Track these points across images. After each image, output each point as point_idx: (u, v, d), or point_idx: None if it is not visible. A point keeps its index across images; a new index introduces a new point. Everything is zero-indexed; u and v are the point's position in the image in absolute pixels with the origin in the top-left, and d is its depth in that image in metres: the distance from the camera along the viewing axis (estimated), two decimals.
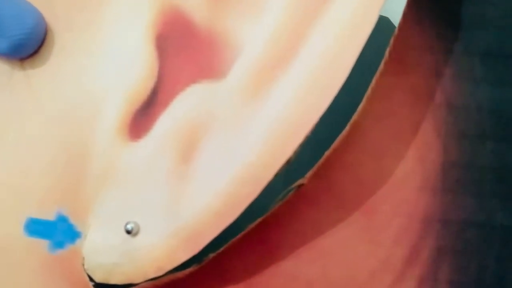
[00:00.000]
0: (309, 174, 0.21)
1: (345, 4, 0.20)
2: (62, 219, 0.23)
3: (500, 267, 0.22)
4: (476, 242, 0.22)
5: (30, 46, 0.24)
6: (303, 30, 0.21)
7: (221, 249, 0.22)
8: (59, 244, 0.23)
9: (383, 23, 0.22)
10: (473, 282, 0.22)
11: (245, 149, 0.21)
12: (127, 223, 0.22)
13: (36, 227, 0.23)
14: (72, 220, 0.23)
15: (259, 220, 0.22)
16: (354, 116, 0.22)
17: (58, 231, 0.23)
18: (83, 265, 0.22)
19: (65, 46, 0.24)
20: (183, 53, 0.22)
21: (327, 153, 0.22)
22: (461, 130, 0.23)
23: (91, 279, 0.22)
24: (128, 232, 0.22)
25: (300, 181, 0.22)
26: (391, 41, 0.22)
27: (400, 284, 0.22)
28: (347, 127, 0.22)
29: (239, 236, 0.22)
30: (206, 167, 0.21)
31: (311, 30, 0.21)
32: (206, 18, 0.22)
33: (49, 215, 0.23)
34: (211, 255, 0.22)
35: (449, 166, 0.22)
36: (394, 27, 0.22)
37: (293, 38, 0.21)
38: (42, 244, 0.23)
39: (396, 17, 0.22)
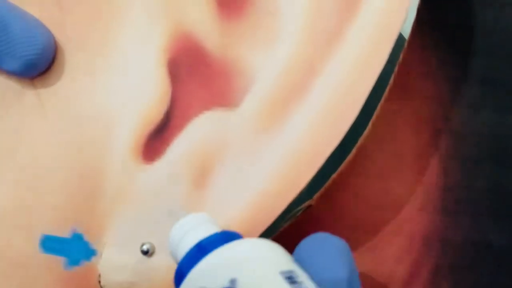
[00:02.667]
0: (317, 195, 0.23)
1: (357, 41, 0.21)
2: (77, 237, 0.24)
3: (494, 282, 0.24)
4: (473, 259, 0.24)
5: (41, 65, 0.24)
6: (315, 64, 0.21)
7: None
8: (74, 262, 0.24)
9: None
10: None
11: (259, 177, 0.22)
12: (143, 244, 0.23)
13: (51, 244, 0.24)
14: (87, 238, 0.24)
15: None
16: (360, 140, 0.23)
17: (73, 249, 0.24)
18: (99, 281, 0.23)
19: (75, 65, 0.24)
20: (196, 79, 0.23)
21: (334, 175, 0.23)
22: (461, 154, 0.24)
23: None
24: (145, 252, 0.23)
25: (308, 202, 0.23)
26: (396, 68, 0.23)
27: None
28: (353, 151, 0.23)
29: None
30: (220, 192, 0.22)
31: (324, 65, 0.21)
32: (219, 46, 0.23)
33: (64, 233, 0.24)
34: None
35: (449, 188, 0.24)
36: (399, 55, 0.23)
37: (306, 72, 0.21)
38: (58, 261, 0.24)
39: (401, 45, 0.23)
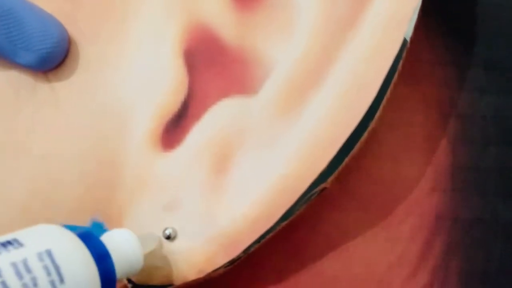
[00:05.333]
0: (331, 178, 0.23)
1: (372, 28, 0.22)
2: (97, 226, 0.24)
3: (504, 259, 0.25)
4: (482, 237, 0.25)
5: (55, 59, 0.24)
6: (332, 51, 0.22)
7: (252, 250, 0.23)
8: None
9: None
10: (480, 273, 0.25)
11: (279, 162, 0.22)
12: (165, 229, 0.23)
13: None
14: (108, 226, 0.24)
15: (286, 222, 0.23)
16: (371, 124, 0.23)
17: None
18: None
19: (89, 58, 0.25)
20: (213, 68, 0.24)
21: (347, 158, 0.23)
22: (468, 136, 0.25)
23: (130, 281, 0.24)
24: (167, 237, 0.23)
25: (323, 185, 0.23)
26: (404, 54, 0.23)
27: (415, 276, 0.24)
28: (365, 135, 0.23)
29: (268, 237, 0.23)
30: (240, 178, 0.23)
31: (340, 52, 0.22)
32: (236, 36, 0.23)
33: (84, 223, 0.24)
34: (243, 256, 0.23)
35: (458, 169, 0.25)
36: (407, 41, 0.23)
37: (323, 59, 0.22)
38: None
39: (408, 32, 0.24)
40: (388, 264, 0.24)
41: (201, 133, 0.23)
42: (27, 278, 0.19)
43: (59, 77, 0.25)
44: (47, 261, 0.19)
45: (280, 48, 0.23)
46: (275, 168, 0.22)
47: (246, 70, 0.23)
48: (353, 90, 0.22)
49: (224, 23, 0.23)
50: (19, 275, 0.19)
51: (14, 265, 0.19)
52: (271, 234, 0.23)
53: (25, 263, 0.19)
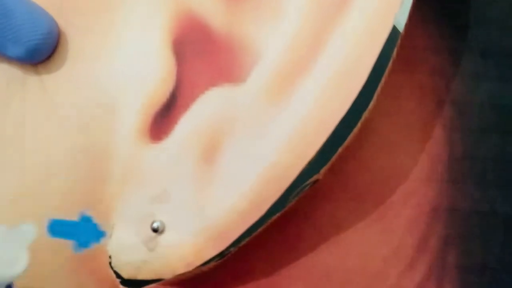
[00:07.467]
0: (324, 169, 0.23)
1: (361, 12, 0.21)
2: (86, 219, 0.24)
3: (502, 251, 0.24)
4: (480, 229, 0.24)
5: (45, 51, 0.24)
6: (321, 37, 0.22)
7: (243, 243, 0.23)
8: (84, 244, 0.24)
9: None
10: (478, 266, 0.24)
11: (268, 150, 0.22)
12: (153, 222, 0.23)
13: (60, 228, 0.24)
14: (96, 220, 0.24)
15: (278, 215, 0.23)
16: (365, 114, 0.23)
17: (82, 231, 0.24)
18: (110, 263, 0.23)
19: (78, 50, 0.24)
20: (201, 57, 0.23)
21: (340, 149, 0.23)
22: (465, 125, 0.24)
23: (118, 276, 0.23)
24: (155, 230, 0.23)
25: (315, 177, 0.23)
26: (398, 41, 0.23)
27: (411, 269, 0.24)
28: (359, 124, 0.23)
29: (259, 230, 0.23)
30: (229, 168, 0.22)
31: (329, 37, 0.22)
32: (224, 23, 0.23)
33: (72, 216, 0.24)
34: (233, 250, 0.23)
35: (455, 158, 0.24)
36: (400, 27, 0.23)
37: (312, 45, 0.22)
38: (67, 244, 0.24)
39: (402, 19, 0.23)
40: (383, 256, 0.24)
41: (189, 123, 0.23)
42: None
43: (48, 70, 0.24)
44: None
45: (268, 35, 0.22)
46: (264, 157, 0.22)
47: (235, 58, 0.23)
48: (342, 75, 0.21)
49: (213, 11, 0.23)
50: None
51: None
52: (262, 227, 0.23)
53: None
